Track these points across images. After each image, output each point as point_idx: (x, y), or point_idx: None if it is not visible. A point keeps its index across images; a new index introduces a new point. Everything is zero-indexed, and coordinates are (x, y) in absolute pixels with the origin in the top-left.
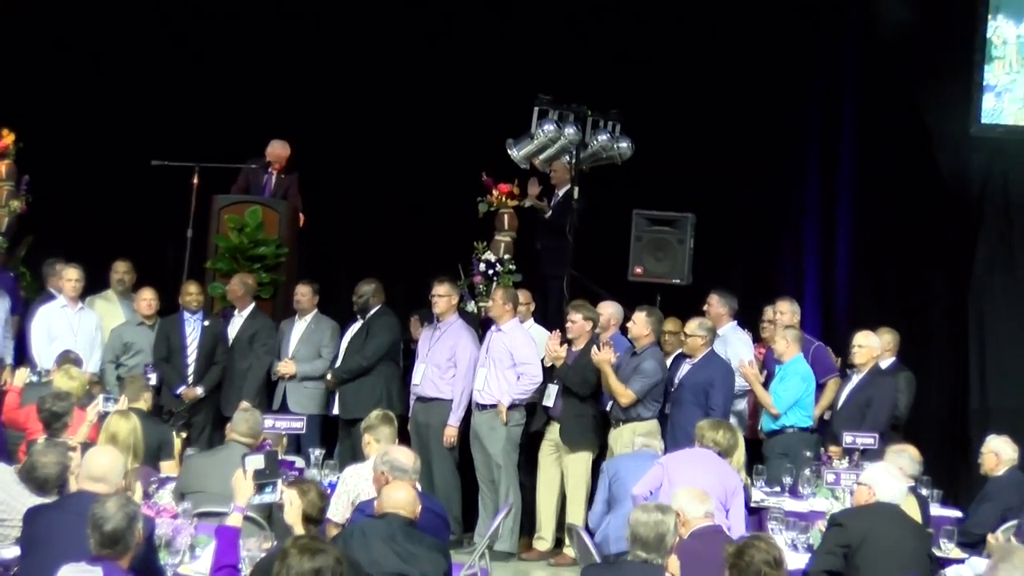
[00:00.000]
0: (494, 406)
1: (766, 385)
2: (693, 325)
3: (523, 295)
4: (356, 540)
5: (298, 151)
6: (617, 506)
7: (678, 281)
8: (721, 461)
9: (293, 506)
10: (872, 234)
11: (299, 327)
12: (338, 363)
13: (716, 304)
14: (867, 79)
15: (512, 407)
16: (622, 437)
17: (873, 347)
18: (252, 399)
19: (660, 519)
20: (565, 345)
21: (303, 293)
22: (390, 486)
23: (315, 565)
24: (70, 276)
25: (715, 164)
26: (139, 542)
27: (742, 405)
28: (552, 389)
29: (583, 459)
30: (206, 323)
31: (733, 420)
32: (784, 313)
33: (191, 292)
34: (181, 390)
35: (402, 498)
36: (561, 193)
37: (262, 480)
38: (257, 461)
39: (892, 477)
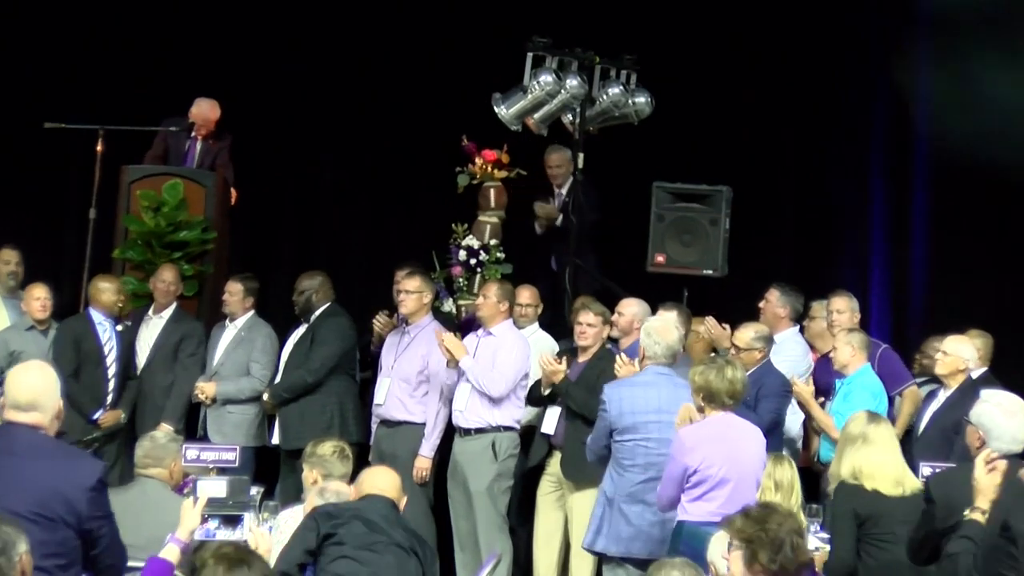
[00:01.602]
0: (481, 431)
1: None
2: (748, 335)
3: (528, 293)
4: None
5: (230, 110)
6: (620, 478)
7: (711, 272)
8: (748, 429)
9: (261, 550)
10: (956, 213)
11: (227, 336)
12: (278, 378)
13: (775, 302)
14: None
15: (504, 431)
16: None
17: (964, 356)
18: (176, 422)
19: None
20: (564, 359)
21: (233, 291)
22: (369, 471)
23: None
24: None
25: (756, 123)
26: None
27: (796, 429)
28: (553, 411)
29: (592, 498)
30: (119, 328)
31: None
32: (842, 312)
33: (114, 290)
34: (99, 415)
35: (387, 482)
36: (565, 191)
37: (219, 511)
38: (217, 487)
39: (1007, 412)
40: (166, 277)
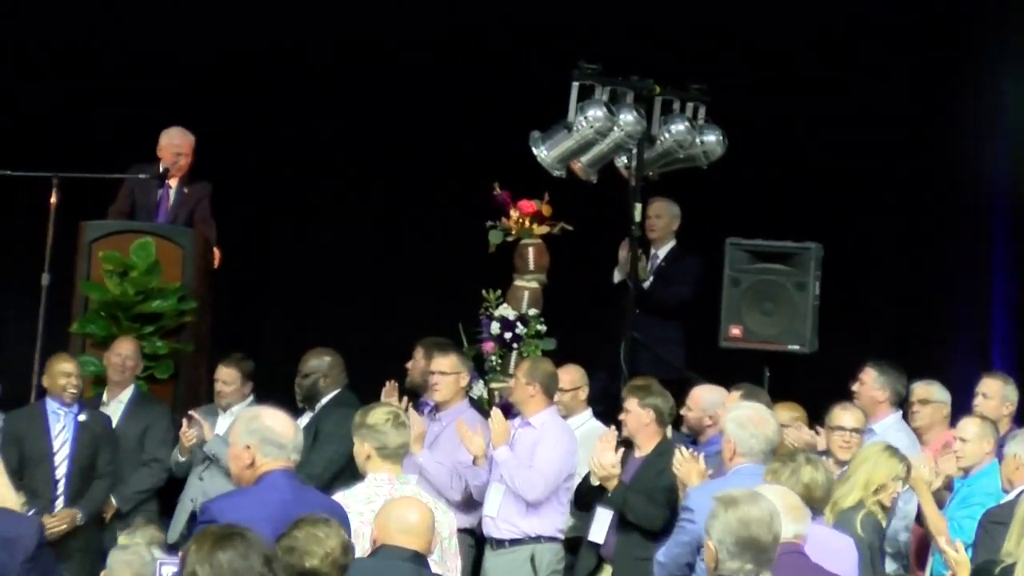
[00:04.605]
0: (517, 542)
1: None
2: (855, 418)
3: (568, 377)
4: None
5: (209, 154)
6: None
7: (797, 348)
8: (834, 546)
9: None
10: None
11: (222, 428)
12: None
13: (872, 384)
14: None
15: (545, 541)
16: None
17: None
18: (124, 503)
19: (774, 509)
20: (619, 454)
21: (228, 379)
22: (393, 505)
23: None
24: None
25: (851, 167)
26: None
27: (903, 535)
28: (603, 515)
29: None
30: (82, 418)
31: (892, 568)
32: (989, 397)
33: (67, 372)
34: (46, 519)
35: (413, 521)
36: (663, 254)
37: None
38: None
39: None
40: (123, 351)
